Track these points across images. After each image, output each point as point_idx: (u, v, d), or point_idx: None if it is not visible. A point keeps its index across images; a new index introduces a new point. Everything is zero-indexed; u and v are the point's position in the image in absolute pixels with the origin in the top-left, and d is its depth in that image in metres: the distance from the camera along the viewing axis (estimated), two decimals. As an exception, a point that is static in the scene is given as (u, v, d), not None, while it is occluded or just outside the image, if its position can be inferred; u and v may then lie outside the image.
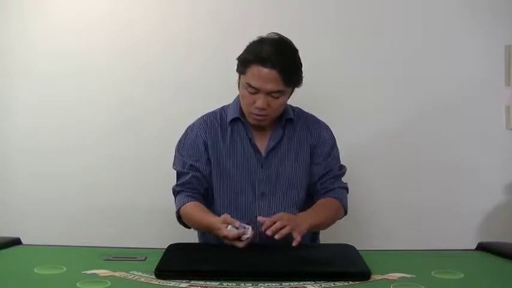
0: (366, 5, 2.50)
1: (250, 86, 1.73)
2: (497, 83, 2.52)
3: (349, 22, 2.51)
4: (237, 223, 1.59)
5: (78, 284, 1.26)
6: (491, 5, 2.49)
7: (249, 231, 1.57)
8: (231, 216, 1.62)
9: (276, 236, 1.58)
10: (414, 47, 2.50)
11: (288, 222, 1.60)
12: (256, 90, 1.73)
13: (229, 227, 1.58)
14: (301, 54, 1.81)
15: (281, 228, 1.59)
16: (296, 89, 1.84)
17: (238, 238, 1.57)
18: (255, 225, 1.69)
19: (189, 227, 1.88)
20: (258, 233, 1.73)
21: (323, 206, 1.84)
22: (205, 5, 2.50)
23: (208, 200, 1.86)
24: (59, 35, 2.49)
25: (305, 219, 1.69)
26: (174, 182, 1.89)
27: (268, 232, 1.59)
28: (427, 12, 2.50)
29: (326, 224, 1.85)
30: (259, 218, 1.67)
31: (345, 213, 1.91)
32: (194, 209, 1.79)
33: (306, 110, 1.98)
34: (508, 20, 2.49)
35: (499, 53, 2.51)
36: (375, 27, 2.50)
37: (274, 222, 1.60)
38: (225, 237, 1.58)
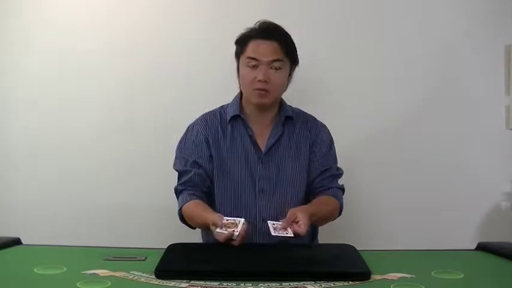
0: (366, 5, 2.50)
1: (251, 58, 1.77)
2: (497, 83, 2.52)
3: (348, 22, 2.50)
4: (226, 221, 1.60)
5: (78, 284, 1.26)
6: (491, 4, 2.49)
7: (239, 226, 1.57)
8: (223, 215, 1.64)
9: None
10: (414, 46, 2.50)
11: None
12: (257, 62, 1.77)
13: (218, 229, 1.58)
14: (299, 54, 1.85)
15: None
16: (294, 89, 1.85)
17: (231, 239, 1.57)
18: (256, 223, 1.70)
19: (192, 227, 1.88)
20: (258, 233, 1.74)
21: (323, 202, 1.85)
22: (206, 4, 2.50)
23: (211, 198, 1.86)
24: (59, 34, 2.48)
25: (306, 216, 1.68)
26: (174, 181, 1.89)
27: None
28: (426, 11, 2.50)
29: (322, 221, 1.88)
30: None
31: (339, 213, 1.92)
32: (195, 207, 1.79)
33: (304, 109, 2.00)
34: (508, 20, 2.49)
35: (499, 53, 2.51)
36: (374, 26, 2.50)
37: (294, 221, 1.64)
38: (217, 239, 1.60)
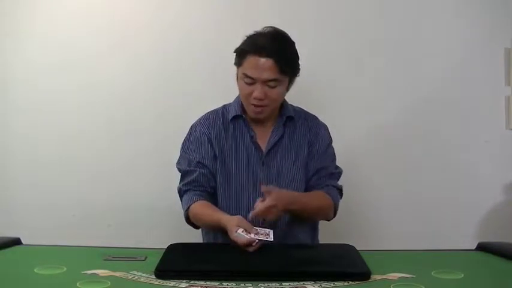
0: (366, 5, 2.50)
1: (247, 76, 1.76)
2: (497, 83, 2.52)
3: (349, 22, 2.50)
4: (255, 229, 1.58)
5: (78, 284, 1.26)
6: (490, 7, 2.49)
7: (269, 236, 1.57)
8: (250, 220, 1.63)
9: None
10: (414, 48, 2.50)
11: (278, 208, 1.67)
12: (253, 80, 1.76)
13: (239, 231, 1.56)
14: (299, 53, 1.82)
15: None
16: (295, 89, 1.85)
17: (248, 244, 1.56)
18: (257, 224, 1.70)
19: (197, 227, 1.88)
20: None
21: (310, 195, 1.84)
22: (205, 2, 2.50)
23: (215, 198, 1.86)
24: (55, 30, 2.47)
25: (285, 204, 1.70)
26: (175, 181, 1.89)
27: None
28: (426, 13, 2.50)
29: (308, 213, 1.84)
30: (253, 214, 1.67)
31: (334, 215, 1.89)
32: (204, 207, 1.79)
33: (305, 107, 1.99)
34: (507, 22, 2.49)
35: (499, 54, 2.51)
36: (375, 27, 2.50)
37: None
38: (234, 241, 1.57)
